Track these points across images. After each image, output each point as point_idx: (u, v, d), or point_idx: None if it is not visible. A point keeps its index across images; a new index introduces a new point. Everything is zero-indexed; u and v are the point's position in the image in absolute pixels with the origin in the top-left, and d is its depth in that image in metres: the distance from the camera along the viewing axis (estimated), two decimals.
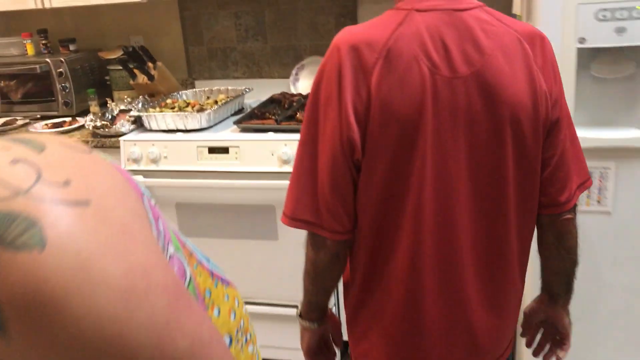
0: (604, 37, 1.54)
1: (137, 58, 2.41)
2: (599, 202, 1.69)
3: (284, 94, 2.40)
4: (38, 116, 2.55)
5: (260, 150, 2.00)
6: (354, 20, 2.44)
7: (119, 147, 2.13)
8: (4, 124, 2.48)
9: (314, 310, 1.17)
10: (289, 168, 1.94)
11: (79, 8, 2.63)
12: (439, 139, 0.94)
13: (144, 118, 2.18)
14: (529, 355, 1.35)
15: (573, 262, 1.15)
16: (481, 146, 0.96)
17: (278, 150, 1.97)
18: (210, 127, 2.17)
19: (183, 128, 2.13)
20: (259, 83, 2.62)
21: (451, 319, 1.05)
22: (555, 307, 1.21)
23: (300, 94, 2.39)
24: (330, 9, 2.50)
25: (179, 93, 2.47)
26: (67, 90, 2.51)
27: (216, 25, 2.65)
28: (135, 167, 2.11)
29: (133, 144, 2.11)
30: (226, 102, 2.28)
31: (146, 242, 0.47)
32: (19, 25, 2.81)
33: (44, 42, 2.65)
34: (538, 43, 0.98)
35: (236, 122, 2.12)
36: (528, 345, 1.31)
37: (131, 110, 2.28)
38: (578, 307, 1.78)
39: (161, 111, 2.20)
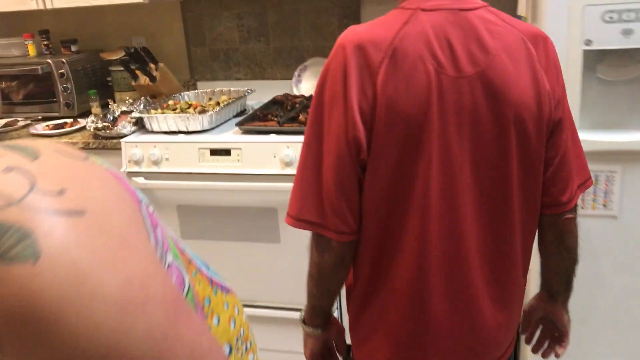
0: (610, 39, 1.52)
1: (139, 59, 2.40)
2: (604, 206, 1.68)
3: (286, 96, 2.39)
4: (39, 117, 2.54)
5: (263, 153, 1.98)
6: (357, 21, 2.42)
7: (120, 149, 2.12)
8: (6, 125, 2.47)
9: (318, 316, 1.16)
10: (291, 170, 1.93)
11: (81, 9, 2.62)
12: (444, 139, 0.94)
13: (145, 119, 2.16)
14: (532, 355, 1.34)
15: (573, 261, 1.16)
16: (486, 146, 0.96)
17: (280, 152, 1.95)
18: (212, 128, 2.15)
19: (185, 130, 2.12)
20: (262, 84, 2.60)
21: (457, 318, 1.04)
22: (554, 304, 1.22)
23: (302, 96, 2.38)
24: (333, 10, 2.49)
25: (180, 94, 2.45)
26: (68, 92, 2.50)
27: (219, 26, 2.64)
28: (136, 169, 2.09)
29: (134, 145, 2.10)
30: (228, 104, 2.27)
31: (144, 252, 0.46)
32: (20, 26, 2.80)
33: (45, 42, 2.65)
34: (541, 43, 0.98)
35: (238, 124, 2.11)
36: (527, 342, 1.32)
37: (133, 111, 2.27)
38: (583, 311, 1.78)
39: (163, 112, 2.19)
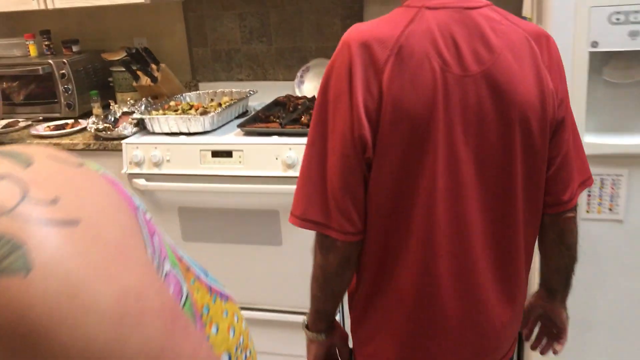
0: (617, 41, 1.50)
1: (140, 59, 2.39)
2: (610, 209, 1.66)
3: (288, 97, 2.37)
4: (40, 118, 2.52)
5: (264, 154, 1.97)
6: (360, 22, 2.40)
7: (121, 150, 2.11)
8: (6, 125, 2.46)
9: (322, 320, 1.14)
10: (293, 172, 1.92)
11: (82, 9, 2.61)
12: (450, 137, 0.93)
13: (146, 121, 2.15)
14: (536, 355, 1.34)
15: (573, 259, 1.17)
16: (490, 145, 0.95)
17: (282, 154, 1.94)
18: (214, 130, 2.14)
19: (186, 131, 2.10)
20: (264, 85, 2.59)
21: (463, 317, 1.04)
22: (553, 302, 1.23)
23: (305, 97, 2.36)
24: (335, 11, 2.47)
25: (182, 95, 2.44)
26: (69, 92, 2.49)
27: (220, 26, 2.63)
28: (137, 170, 2.08)
29: (135, 147, 2.08)
30: (230, 105, 2.25)
31: (140, 262, 0.45)
32: (21, 26, 2.79)
33: (46, 43, 2.63)
34: (544, 42, 0.98)
35: (240, 126, 2.10)
36: (526, 338, 1.33)
37: (134, 112, 2.25)
38: (588, 315, 1.76)
39: (164, 114, 2.18)
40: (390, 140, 0.92)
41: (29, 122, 2.49)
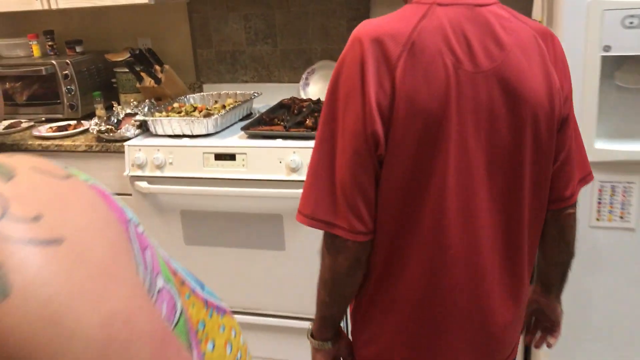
0: (630, 45, 1.46)
1: (144, 61, 2.37)
2: (621, 217, 1.62)
3: (293, 99, 2.34)
4: (43, 119, 2.51)
5: (268, 158, 1.94)
6: None
7: (123, 152, 2.09)
8: (9, 126, 2.45)
9: (328, 328, 1.12)
10: (297, 176, 1.89)
11: (86, 9, 2.60)
12: (462, 134, 0.93)
13: (149, 123, 2.13)
14: (543, 355, 1.32)
15: (571, 255, 1.18)
16: (501, 143, 0.95)
17: (286, 157, 1.91)
18: (217, 132, 2.12)
19: (189, 133, 2.08)
20: (268, 87, 2.57)
21: (469, 317, 1.03)
22: (549, 297, 1.24)
23: (310, 100, 2.33)
24: (341, 13, 2.44)
25: (186, 97, 2.42)
26: (72, 93, 2.47)
27: (225, 28, 2.61)
28: (139, 173, 2.06)
29: (138, 149, 2.06)
30: (234, 107, 2.23)
31: (128, 283, 0.42)
32: (25, 27, 2.78)
33: (50, 43, 2.61)
34: (549, 40, 0.99)
35: (244, 128, 2.07)
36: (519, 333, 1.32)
37: (137, 114, 2.23)
38: (599, 325, 1.72)
39: (167, 115, 2.16)
40: (403, 136, 0.91)
41: (32, 123, 2.47)
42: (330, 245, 0.99)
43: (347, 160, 0.93)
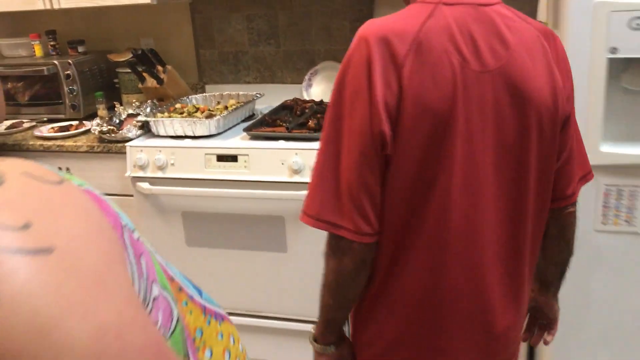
0: (637, 47, 1.45)
1: (147, 61, 2.36)
2: (627, 222, 1.60)
3: (296, 100, 2.33)
4: (45, 119, 2.50)
5: (270, 159, 1.93)
6: None
7: (125, 153, 2.08)
8: (10, 126, 2.44)
9: (331, 332, 1.11)
10: (299, 178, 1.88)
11: (89, 9, 2.59)
12: (468, 134, 0.92)
13: (151, 123, 2.12)
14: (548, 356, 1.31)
15: (570, 253, 1.19)
16: (507, 143, 0.95)
17: (288, 159, 1.90)
18: (220, 133, 2.11)
19: (191, 134, 2.07)
20: (271, 88, 2.55)
21: (470, 317, 1.02)
22: (547, 294, 1.25)
23: (312, 101, 2.32)
24: (345, 13, 2.43)
25: (188, 97, 2.41)
26: (74, 93, 2.46)
27: (228, 28, 2.59)
28: (141, 174, 2.05)
29: (139, 150, 2.05)
30: (236, 108, 2.22)
31: (122, 294, 0.40)
32: (27, 26, 2.77)
33: (52, 43, 2.61)
34: (551, 39, 1.00)
35: (246, 129, 2.06)
36: None
37: (139, 114, 2.22)
38: (605, 330, 1.70)
39: (169, 116, 2.15)
40: (410, 136, 0.90)
41: (33, 123, 2.47)
42: (335, 247, 0.98)
43: (354, 160, 0.92)
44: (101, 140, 2.18)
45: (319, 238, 1.00)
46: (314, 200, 0.97)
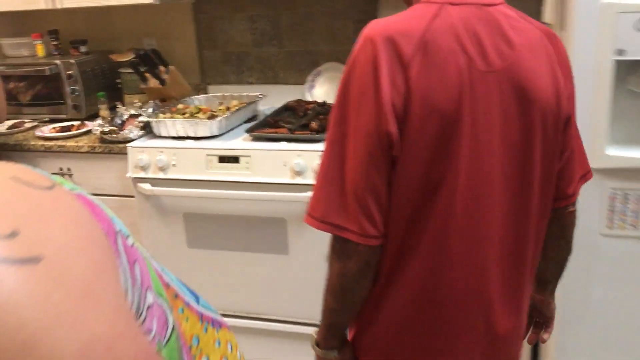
0: None
1: (149, 61, 2.35)
2: (634, 226, 1.58)
3: (299, 102, 2.32)
4: (46, 119, 2.49)
5: (272, 161, 1.92)
6: None
7: (126, 154, 2.07)
8: (12, 126, 2.43)
9: (334, 336, 1.09)
10: (301, 180, 1.86)
11: (91, 9, 2.58)
12: (474, 134, 0.92)
13: (153, 124, 2.11)
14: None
15: (569, 252, 1.20)
16: (513, 143, 0.95)
17: (290, 161, 1.88)
18: (222, 134, 2.09)
19: (193, 135, 2.06)
20: (274, 89, 2.54)
21: (473, 319, 1.02)
22: (544, 293, 1.25)
23: (315, 102, 2.30)
24: (349, 14, 2.41)
25: (190, 98, 2.40)
26: (76, 93, 2.45)
27: (231, 29, 2.58)
28: (142, 175, 2.04)
29: (141, 151, 2.04)
30: (239, 109, 2.20)
31: (112, 306, 0.38)
32: (29, 26, 2.76)
33: (54, 43, 2.60)
34: (553, 39, 1.00)
35: (248, 130, 2.04)
36: None
37: (141, 115, 2.21)
38: (611, 337, 1.68)
39: (171, 117, 2.13)
40: (418, 137, 0.89)
41: (35, 123, 2.46)
42: (340, 250, 0.97)
43: (360, 161, 0.91)
44: (102, 140, 2.17)
45: (321, 240, 0.99)
46: (319, 201, 0.95)
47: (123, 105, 2.35)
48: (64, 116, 2.48)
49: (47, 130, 2.34)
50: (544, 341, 1.30)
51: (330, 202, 0.94)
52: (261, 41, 2.56)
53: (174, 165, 2.01)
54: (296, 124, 2.04)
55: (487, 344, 1.05)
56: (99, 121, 2.23)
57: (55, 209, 0.40)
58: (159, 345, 0.50)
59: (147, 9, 2.61)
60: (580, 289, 1.63)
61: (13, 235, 0.34)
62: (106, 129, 2.15)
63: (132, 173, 2.05)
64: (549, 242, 1.13)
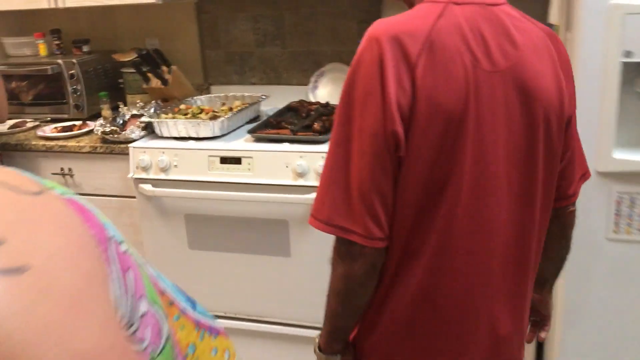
0: None
1: (151, 61, 2.34)
2: None
3: (301, 102, 2.30)
4: (48, 119, 2.48)
5: (274, 162, 1.90)
6: None
7: (128, 154, 2.06)
8: (13, 126, 2.42)
9: (337, 340, 1.08)
10: (303, 181, 1.85)
11: (94, 8, 2.58)
12: (479, 135, 0.91)
13: (154, 124, 2.09)
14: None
15: (568, 251, 1.20)
16: (517, 143, 0.94)
17: (293, 162, 1.87)
18: (224, 135, 2.08)
19: (195, 136, 2.04)
20: (277, 90, 2.52)
21: (475, 321, 1.01)
22: (541, 291, 1.25)
23: (318, 103, 2.29)
24: (352, 14, 2.40)
25: (193, 98, 2.38)
26: (78, 93, 2.44)
27: (234, 29, 2.57)
28: (144, 175, 2.03)
29: (142, 151, 2.03)
30: (241, 110, 2.19)
31: (101, 318, 0.37)
32: (32, 25, 2.76)
33: (57, 42, 2.59)
34: (554, 40, 1.00)
35: (250, 131, 2.03)
36: None
37: (143, 115, 2.20)
38: (617, 342, 1.66)
39: (173, 117, 2.12)
40: (424, 137, 0.89)
41: (37, 123, 2.45)
42: (345, 252, 0.95)
43: (366, 162, 0.89)
44: (104, 141, 2.16)
45: (323, 242, 0.97)
46: (323, 203, 0.94)
47: (125, 105, 2.34)
48: (65, 116, 2.47)
49: (48, 130, 2.33)
50: (541, 340, 1.31)
51: (335, 204, 0.93)
52: (264, 41, 2.54)
53: (175, 166, 2.00)
54: (299, 125, 2.02)
55: (489, 346, 1.04)
56: (100, 121, 2.22)
57: (43, 215, 0.38)
58: (153, 355, 0.48)
59: (150, 9, 2.60)
60: (586, 293, 1.60)
61: None
62: (108, 129, 2.14)
63: (133, 174, 2.04)
64: (549, 242, 1.13)
